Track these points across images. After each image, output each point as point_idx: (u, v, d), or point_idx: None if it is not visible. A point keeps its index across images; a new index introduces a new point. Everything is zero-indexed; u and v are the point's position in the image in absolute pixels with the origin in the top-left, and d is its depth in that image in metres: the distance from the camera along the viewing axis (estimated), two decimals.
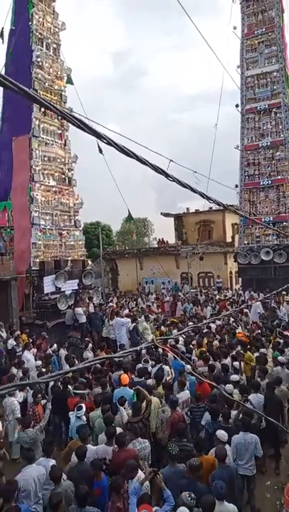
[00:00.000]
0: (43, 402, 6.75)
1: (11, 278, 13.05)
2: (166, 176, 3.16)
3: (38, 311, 13.37)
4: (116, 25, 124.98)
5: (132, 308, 16.78)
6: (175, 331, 11.16)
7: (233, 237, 27.63)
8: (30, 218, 14.21)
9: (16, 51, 15.28)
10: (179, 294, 20.73)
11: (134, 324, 11.41)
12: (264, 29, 20.12)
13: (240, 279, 22.30)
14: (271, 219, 19.47)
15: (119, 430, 5.48)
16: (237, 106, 20.49)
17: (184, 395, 6.50)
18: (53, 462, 4.84)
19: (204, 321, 5.85)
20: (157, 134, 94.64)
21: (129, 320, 11.63)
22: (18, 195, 14.60)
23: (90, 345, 10.44)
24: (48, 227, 14.94)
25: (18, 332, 11.30)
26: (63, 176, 15.96)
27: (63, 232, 15.65)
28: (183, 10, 7.87)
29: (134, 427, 5.42)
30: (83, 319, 12.50)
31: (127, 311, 15.25)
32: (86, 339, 11.38)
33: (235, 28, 20.85)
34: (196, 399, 6.26)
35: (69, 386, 7.03)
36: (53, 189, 15.36)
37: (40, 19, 15.44)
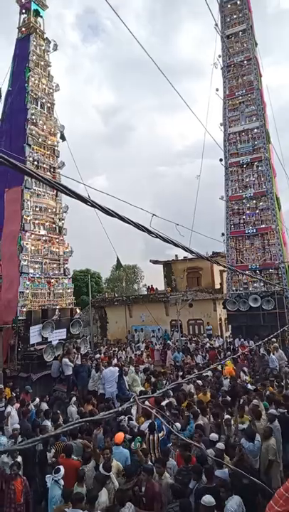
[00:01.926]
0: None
1: None
2: (149, 232, 3.30)
3: (22, 362, 12.94)
4: (107, 85, 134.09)
5: (120, 358, 16.39)
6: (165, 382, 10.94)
7: (221, 284, 27.85)
8: (19, 267, 14.21)
9: (11, 109, 16.18)
10: (169, 342, 20.42)
11: (119, 374, 11.15)
12: (244, 91, 21.81)
13: (230, 326, 22.18)
14: (257, 266, 19.86)
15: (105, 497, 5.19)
16: (221, 160, 21.65)
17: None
18: None
19: (187, 378, 5.59)
20: (145, 186, 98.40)
21: (116, 369, 11.36)
22: (7, 244, 14.72)
23: (74, 398, 10.03)
24: (37, 275, 14.93)
25: (1, 386, 10.85)
26: (54, 226, 16.24)
27: (52, 281, 15.62)
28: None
29: (123, 495, 5.05)
30: (70, 371, 12.10)
31: (115, 361, 14.89)
32: (72, 392, 10.96)
33: (217, 89, 22.62)
34: (184, 461, 5.88)
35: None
36: (43, 238, 15.56)
37: (36, 81, 16.53)
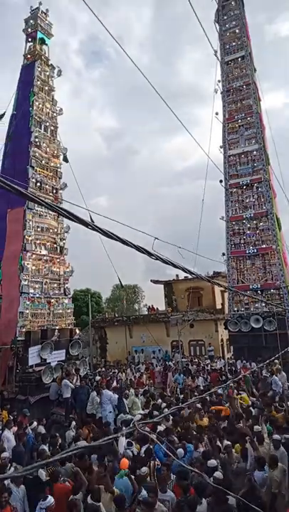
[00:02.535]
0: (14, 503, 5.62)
1: None
2: (150, 255, 3.31)
3: (20, 384, 12.72)
4: (110, 109, 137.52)
5: (119, 379, 16.11)
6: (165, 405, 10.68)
7: (222, 304, 27.69)
8: (19, 287, 14.19)
9: (16, 132, 16.56)
10: (170, 363, 20.12)
11: (118, 396, 10.95)
12: (243, 114, 22.28)
13: (231, 347, 21.90)
14: (259, 286, 19.77)
15: None
16: (221, 181, 21.90)
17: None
18: None
19: (187, 402, 5.39)
20: (147, 207, 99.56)
21: (112, 394, 11.15)
22: (8, 264, 14.75)
23: (74, 423, 9.81)
24: (37, 295, 14.88)
25: None
26: (55, 245, 16.31)
27: (52, 301, 15.56)
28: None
29: None
30: (68, 393, 11.87)
31: (114, 383, 14.62)
32: (70, 416, 10.73)
33: (217, 113, 23.14)
34: (183, 490, 5.49)
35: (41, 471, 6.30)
36: (44, 258, 15.60)
37: (40, 105, 16.96)
